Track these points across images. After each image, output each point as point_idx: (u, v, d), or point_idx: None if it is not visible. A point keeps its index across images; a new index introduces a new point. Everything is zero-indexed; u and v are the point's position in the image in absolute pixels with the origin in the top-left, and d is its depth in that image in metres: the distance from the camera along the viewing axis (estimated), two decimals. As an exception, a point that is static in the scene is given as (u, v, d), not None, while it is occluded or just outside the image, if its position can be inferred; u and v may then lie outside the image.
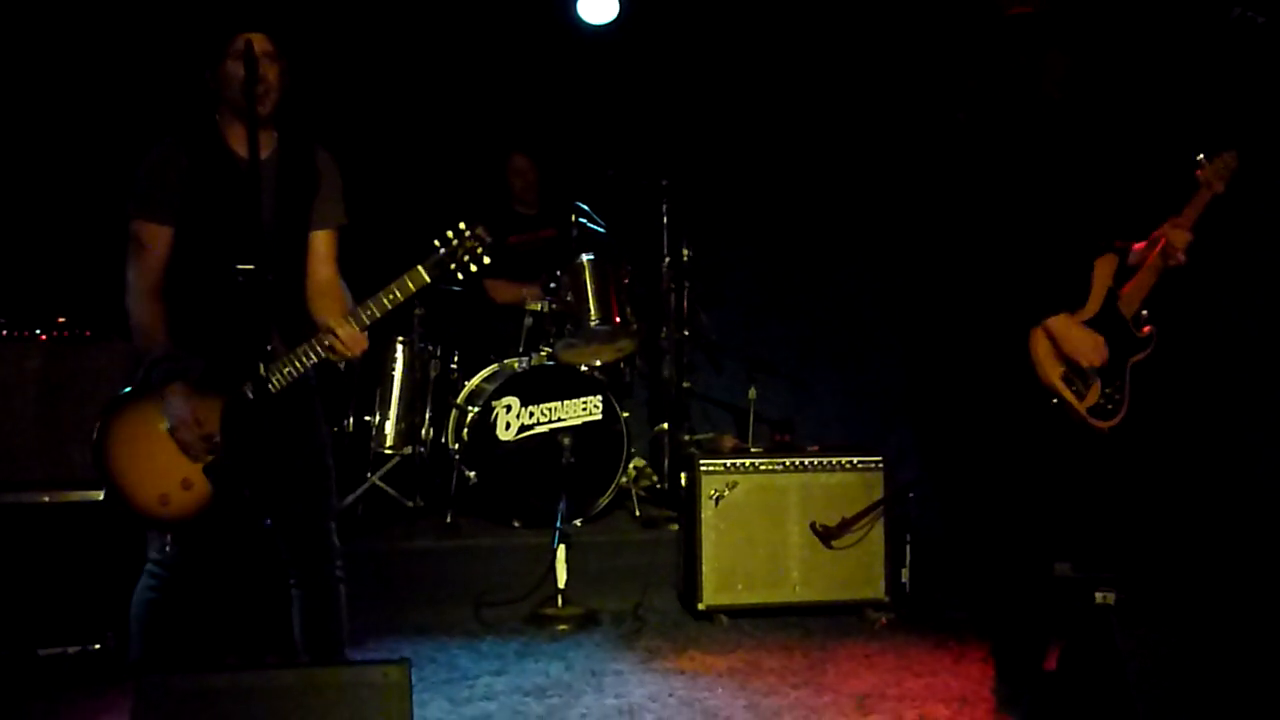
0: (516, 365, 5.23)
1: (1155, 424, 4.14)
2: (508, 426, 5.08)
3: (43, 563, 3.98)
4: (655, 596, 4.81)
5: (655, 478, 5.74)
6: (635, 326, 5.31)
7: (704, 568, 4.65)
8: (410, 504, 5.25)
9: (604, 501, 5.18)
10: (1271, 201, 4.41)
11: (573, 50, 6.11)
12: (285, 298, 3.08)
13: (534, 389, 5.12)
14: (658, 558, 4.90)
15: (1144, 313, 3.47)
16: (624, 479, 5.23)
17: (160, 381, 2.94)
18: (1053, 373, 3.31)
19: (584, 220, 5.58)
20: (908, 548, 4.81)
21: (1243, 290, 4.66)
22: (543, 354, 5.27)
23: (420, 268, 3.10)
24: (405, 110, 6.04)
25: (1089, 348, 3.30)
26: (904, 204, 5.75)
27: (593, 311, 5.13)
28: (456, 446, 5.17)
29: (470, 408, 5.14)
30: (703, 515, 4.68)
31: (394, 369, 5.35)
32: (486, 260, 3.16)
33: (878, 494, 4.78)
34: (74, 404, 4.07)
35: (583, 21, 5.93)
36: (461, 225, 3.15)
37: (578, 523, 5.00)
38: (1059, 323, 3.29)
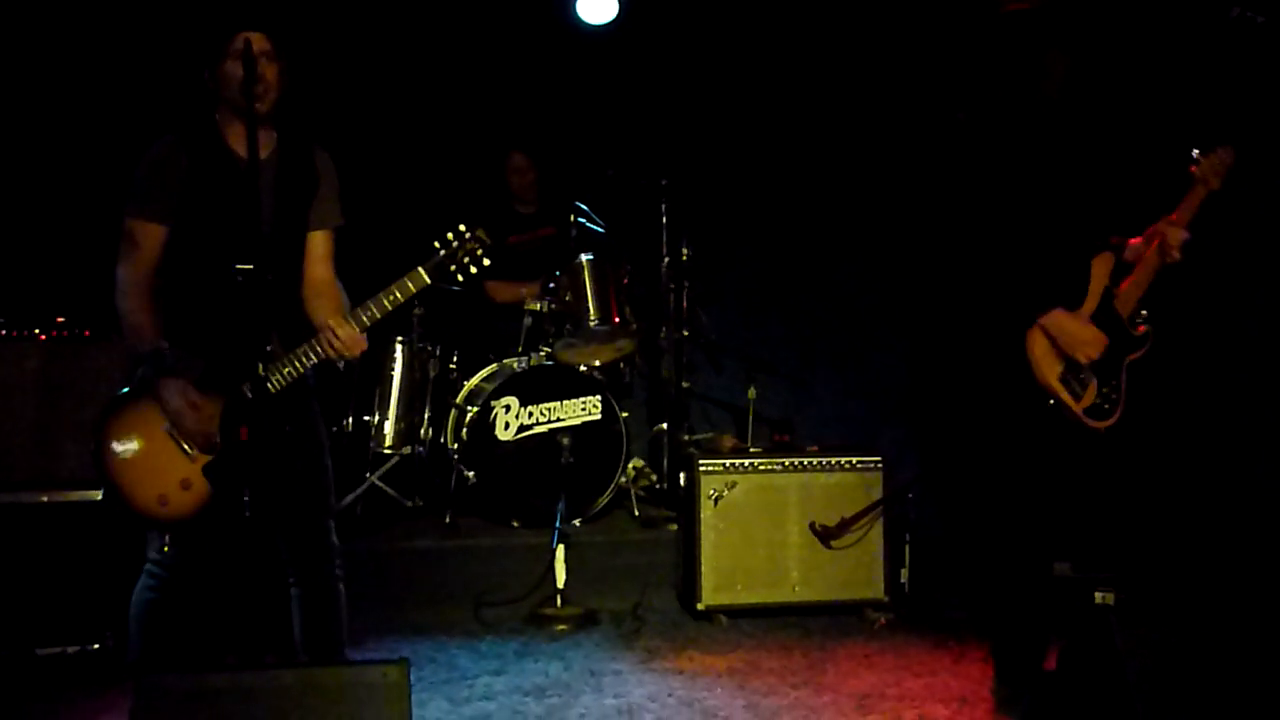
0: (516, 365, 5.22)
1: (1152, 423, 4.15)
2: (507, 426, 5.08)
3: (42, 563, 3.98)
4: (654, 596, 4.81)
5: (654, 477, 5.74)
6: (634, 326, 5.31)
7: (703, 568, 4.65)
8: (409, 504, 5.25)
9: (603, 501, 5.18)
10: (1271, 201, 4.41)
11: (572, 50, 6.11)
12: (283, 298, 3.08)
13: (533, 389, 5.12)
14: (657, 558, 4.90)
15: (1143, 312, 3.46)
16: (623, 479, 5.23)
17: (151, 376, 2.94)
18: (1050, 373, 3.31)
19: (583, 220, 5.59)
20: (907, 548, 4.81)
21: (1242, 289, 4.65)
22: (542, 354, 5.27)
23: (420, 269, 3.10)
24: (405, 109, 6.04)
25: (1087, 340, 3.30)
26: (904, 203, 5.76)
27: (592, 311, 5.13)
28: (456, 446, 5.17)
29: (469, 407, 5.14)
30: (702, 515, 4.68)
31: (393, 369, 5.34)
32: (486, 262, 3.16)
33: (877, 494, 4.78)
34: (73, 404, 4.07)
35: (582, 21, 5.92)
36: (461, 227, 3.15)
37: (577, 523, 5.00)
38: (1056, 318, 3.28)
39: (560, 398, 5.14)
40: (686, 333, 5.59)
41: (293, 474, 3.07)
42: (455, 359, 5.56)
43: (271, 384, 2.96)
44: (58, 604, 3.98)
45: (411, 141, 6.11)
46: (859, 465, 4.82)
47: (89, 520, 3.97)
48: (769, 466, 4.76)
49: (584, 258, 5.20)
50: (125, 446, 2.94)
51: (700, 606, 4.64)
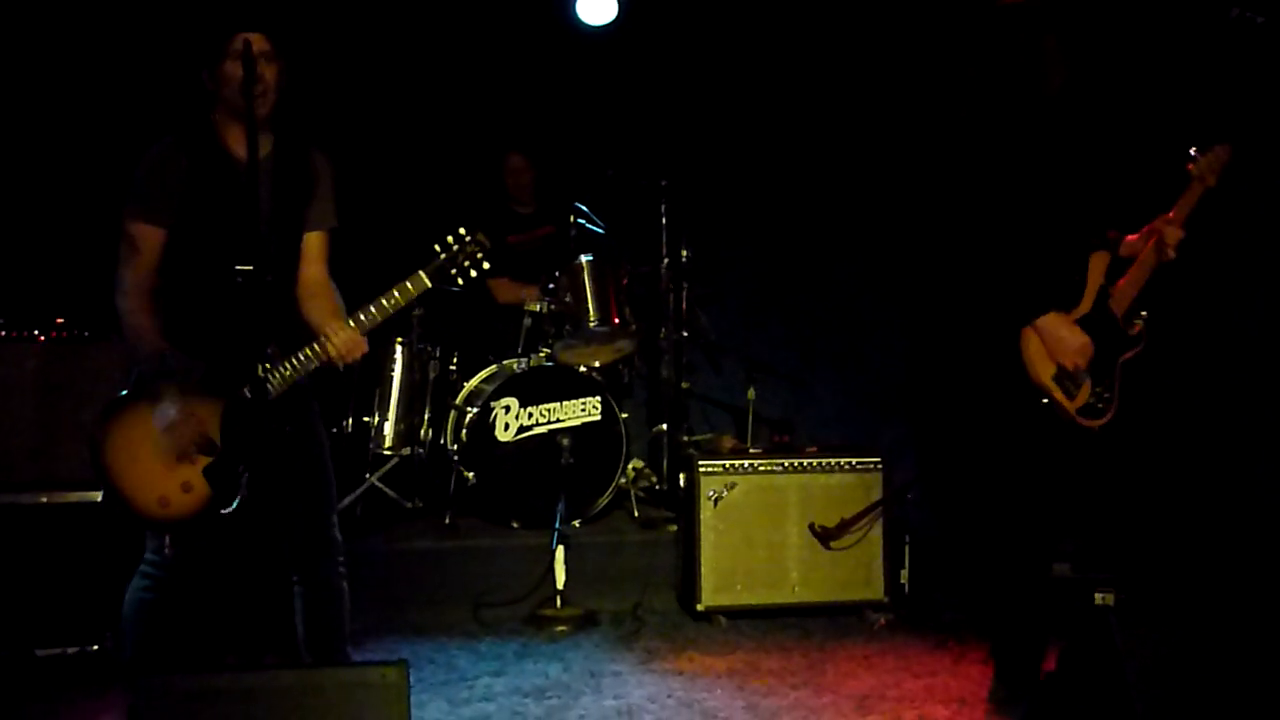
0: (515, 366, 5.22)
1: (1148, 423, 4.14)
2: (506, 427, 5.08)
3: (41, 563, 3.98)
4: (654, 597, 4.80)
5: (654, 478, 5.74)
6: (634, 327, 5.32)
7: (703, 568, 4.65)
8: (409, 505, 5.25)
9: (603, 502, 5.18)
10: (1271, 201, 4.41)
11: (572, 51, 6.12)
12: (282, 299, 3.08)
13: (533, 390, 5.12)
14: (656, 558, 4.89)
15: (1143, 313, 3.44)
16: (623, 480, 5.23)
17: (149, 380, 2.93)
18: (1044, 372, 3.30)
19: (583, 221, 5.59)
20: (907, 548, 4.81)
21: (1243, 290, 4.65)
22: (541, 355, 5.27)
23: (421, 273, 3.11)
24: (405, 110, 6.04)
25: (1074, 349, 3.29)
26: (903, 203, 5.75)
27: (591, 312, 5.13)
28: (455, 447, 5.16)
29: (469, 408, 5.14)
30: (701, 516, 4.68)
31: (393, 370, 5.34)
32: (486, 265, 3.17)
33: (877, 495, 4.78)
34: (72, 405, 4.06)
35: (582, 22, 5.93)
36: (461, 230, 3.15)
37: (576, 523, 5.00)
38: (1048, 322, 3.28)
39: (560, 399, 5.14)
40: (686, 333, 5.59)
41: (293, 474, 3.07)
42: (455, 360, 5.56)
43: (271, 386, 2.96)
44: (57, 605, 3.97)
45: (411, 142, 6.11)
46: (859, 466, 4.81)
47: (88, 521, 3.97)
48: (769, 467, 4.76)
49: (583, 258, 5.21)
50: (125, 449, 2.94)
51: (700, 607, 4.64)
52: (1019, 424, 3.36)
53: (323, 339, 3.02)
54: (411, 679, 2.48)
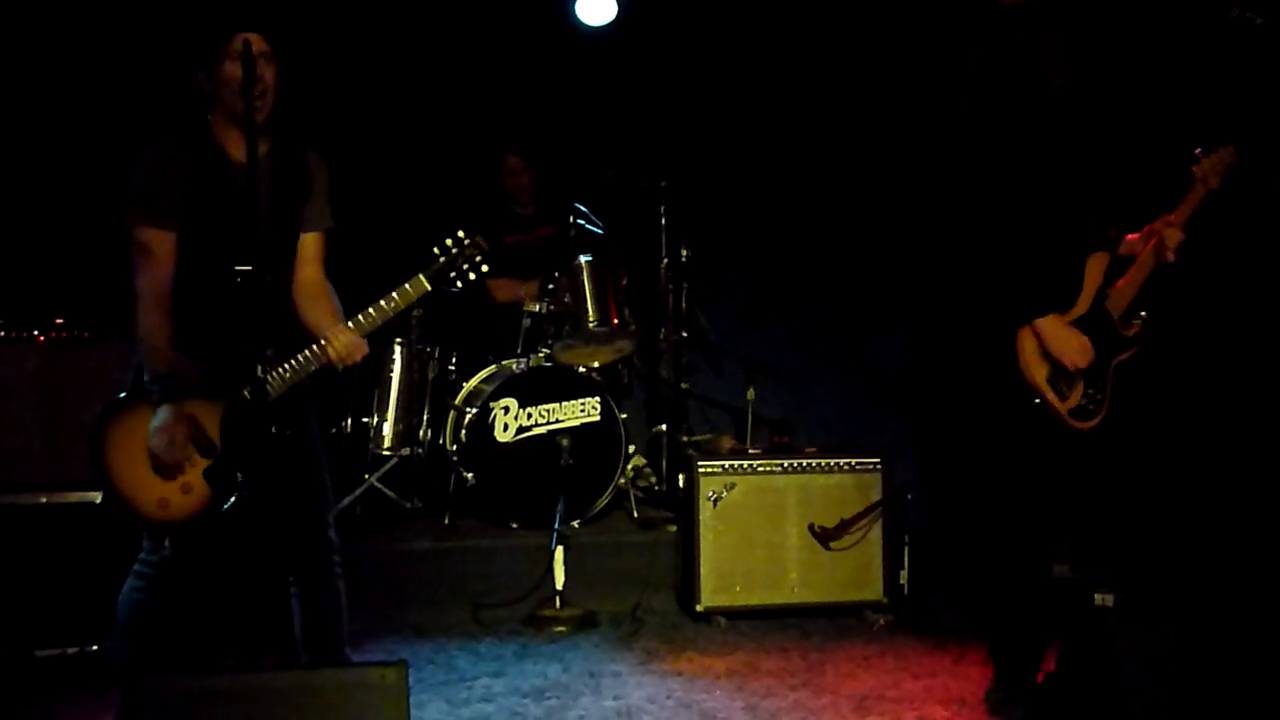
0: (515, 366, 5.22)
1: (1148, 423, 4.14)
2: (506, 428, 5.08)
3: (41, 564, 3.98)
4: (653, 598, 4.80)
5: (653, 479, 5.74)
6: (633, 328, 5.32)
7: (702, 569, 4.65)
8: (408, 505, 5.25)
9: (602, 503, 5.18)
10: (1271, 201, 4.40)
11: (571, 51, 6.12)
12: (279, 300, 3.09)
13: (532, 390, 5.12)
14: (656, 559, 4.89)
15: (1141, 313, 3.44)
16: (622, 480, 5.23)
17: (158, 399, 2.93)
18: (1037, 373, 3.30)
19: (582, 221, 5.59)
20: (906, 549, 4.81)
21: (1242, 291, 4.65)
22: (541, 355, 5.27)
23: (421, 276, 3.11)
24: (404, 111, 6.04)
25: (1074, 350, 3.29)
26: (903, 203, 5.75)
27: (591, 313, 5.13)
28: (454, 448, 5.16)
29: (468, 409, 5.14)
30: (701, 517, 4.68)
31: (392, 370, 5.34)
32: (485, 268, 3.19)
33: (876, 495, 4.78)
34: (72, 405, 4.06)
35: (581, 23, 5.93)
36: (460, 234, 3.16)
37: (576, 524, 5.00)
38: (1047, 323, 3.28)
39: (559, 399, 5.14)
40: (685, 334, 5.59)
41: (290, 474, 3.07)
42: (454, 360, 5.56)
43: (271, 387, 2.95)
44: (57, 605, 3.97)
45: (411, 142, 6.11)
46: (858, 466, 4.81)
47: (88, 521, 3.97)
48: (768, 468, 4.76)
49: (583, 259, 5.21)
50: (125, 450, 2.94)
51: (699, 608, 4.63)
52: (1012, 424, 3.36)
53: (323, 341, 3.02)
54: (411, 679, 2.48)
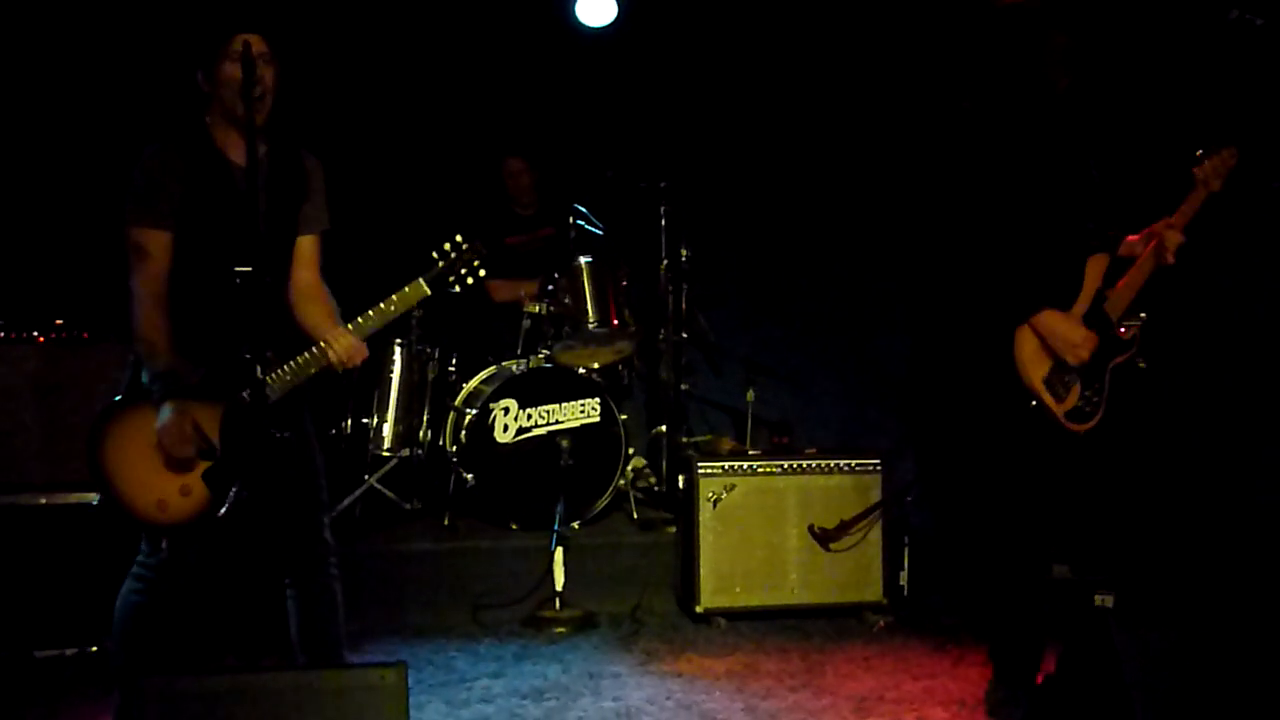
0: (514, 367, 5.22)
1: (1148, 423, 4.14)
2: (505, 429, 5.08)
3: (40, 565, 3.98)
4: (653, 599, 4.80)
5: (653, 480, 5.74)
6: (633, 329, 5.32)
7: (702, 570, 4.65)
8: (408, 506, 5.24)
9: (602, 504, 5.17)
10: (1271, 203, 4.40)
11: (571, 52, 6.12)
12: (278, 302, 3.09)
13: (532, 391, 5.12)
14: (655, 560, 4.89)
15: (1141, 315, 3.44)
16: (622, 481, 5.22)
17: (160, 397, 2.93)
18: (1035, 374, 3.30)
19: (582, 222, 5.59)
20: (906, 550, 4.81)
21: (1242, 293, 4.65)
22: (540, 356, 5.26)
23: (421, 280, 3.12)
24: (404, 112, 6.05)
25: (1077, 342, 3.28)
26: (903, 204, 5.75)
27: (590, 314, 5.13)
28: (454, 448, 5.16)
29: (468, 410, 5.14)
30: (701, 517, 4.68)
31: (392, 371, 5.34)
32: (483, 273, 3.19)
33: (876, 496, 4.78)
34: (71, 406, 4.07)
35: (581, 24, 5.93)
36: (459, 238, 3.16)
37: (575, 525, 4.99)
38: (1047, 317, 3.27)
39: (559, 400, 5.14)
40: (685, 335, 5.59)
41: (287, 476, 3.07)
42: (454, 361, 5.56)
43: (270, 389, 2.95)
44: (56, 606, 3.97)
45: (411, 144, 6.11)
46: (858, 467, 4.81)
47: (88, 522, 3.97)
48: (768, 469, 4.76)
49: (583, 260, 5.21)
50: (123, 452, 2.93)
51: (699, 609, 4.63)
52: (1010, 426, 3.36)
53: (323, 344, 3.02)
54: (410, 680, 2.48)
